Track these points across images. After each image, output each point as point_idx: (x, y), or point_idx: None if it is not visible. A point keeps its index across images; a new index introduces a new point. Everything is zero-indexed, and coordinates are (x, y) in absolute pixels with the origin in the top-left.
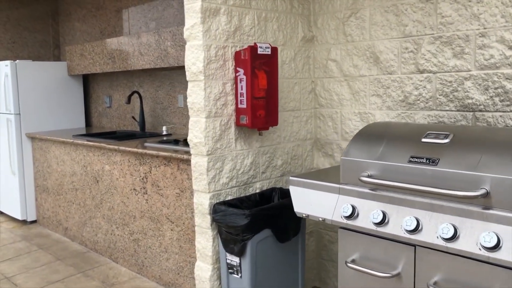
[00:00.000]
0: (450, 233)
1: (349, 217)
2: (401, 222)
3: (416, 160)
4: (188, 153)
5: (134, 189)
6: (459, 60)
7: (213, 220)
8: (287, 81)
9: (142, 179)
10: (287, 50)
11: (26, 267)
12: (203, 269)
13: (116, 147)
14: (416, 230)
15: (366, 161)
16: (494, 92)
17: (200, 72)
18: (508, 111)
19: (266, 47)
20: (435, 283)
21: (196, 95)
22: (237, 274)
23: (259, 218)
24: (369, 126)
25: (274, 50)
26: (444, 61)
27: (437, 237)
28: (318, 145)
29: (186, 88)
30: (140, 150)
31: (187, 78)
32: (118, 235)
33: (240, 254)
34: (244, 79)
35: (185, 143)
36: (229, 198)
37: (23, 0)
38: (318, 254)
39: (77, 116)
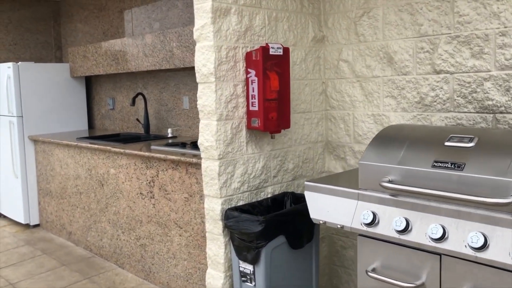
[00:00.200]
0: (480, 242)
1: (370, 224)
2: (425, 229)
3: (440, 164)
4: (196, 156)
5: (140, 193)
6: (478, 60)
7: (225, 226)
8: (297, 82)
9: (149, 183)
10: (297, 51)
11: (31, 273)
12: (215, 277)
13: (121, 150)
14: (442, 238)
15: (386, 166)
16: None
17: (211, 74)
18: None
19: (278, 48)
20: None
21: (207, 97)
22: (251, 283)
23: (273, 225)
24: (387, 129)
25: (286, 50)
26: (462, 61)
27: (465, 246)
28: (330, 148)
29: (191, 89)
30: (147, 154)
31: (197, 80)
32: (124, 240)
33: (254, 261)
34: (256, 81)
35: (193, 146)
36: (240, 203)
37: (24, 1)
38: (330, 260)
39: (80, 118)
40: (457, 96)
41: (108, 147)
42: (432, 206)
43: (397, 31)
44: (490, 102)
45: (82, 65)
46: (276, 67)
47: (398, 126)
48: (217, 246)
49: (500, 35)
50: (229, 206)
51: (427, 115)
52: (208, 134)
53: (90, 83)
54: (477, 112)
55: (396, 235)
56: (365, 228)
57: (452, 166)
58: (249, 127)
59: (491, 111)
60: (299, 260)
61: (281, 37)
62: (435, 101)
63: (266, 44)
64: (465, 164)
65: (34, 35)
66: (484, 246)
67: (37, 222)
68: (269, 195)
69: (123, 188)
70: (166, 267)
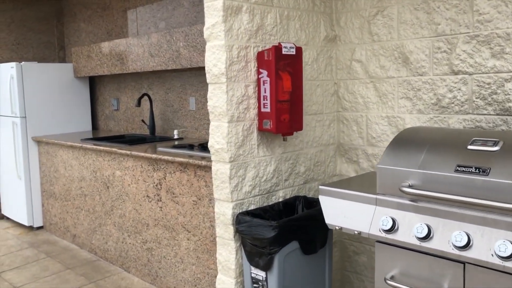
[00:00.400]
0: (508, 251)
1: (389, 230)
2: (448, 237)
3: (463, 169)
4: (205, 159)
5: (147, 196)
6: (498, 61)
7: (237, 231)
8: (309, 83)
9: (156, 185)
10: (309, 50)
11: (35, 276)
12: (226, 283)
13: (128, 152)
14: (467, 246)
15: (406, 170)
16: None
17: (222, 74)
18: None
19: (290, 47)
20: None
21: (218, 99)
22: None
23: (286, 230)
24: (405, 131)
25: (299, 50)
26: (481, 61)
27: (492, 254)
28: (342, 151)
29: (198, 90)
30: (154, 156)
31: (208, 81)
32: (130, 243)
33: (266, 268)
34: (268, 81)
35: (201, 148)
36: (251, 207)
37: (27, 0)
38: (342, 265)
39: (84, 119)
40: (476, 98)
41: (114, 149)
42: (456, 213)
43: (412, 30)
44: (511, 104)
45: (86, 65)
46: (288, 67)
47: (416, 128)
48: (228, 251)
49: None
50: (240, 211)
51: (444, 117)
52: (219, 136)
53: (93, 83)
54: (497, 114)
55: (417, 242)
56: (384, 234)
57: (477, 171)
58: (260, 129)
59: None
60: (312, 266)
61: (293, 37)
62: (453, 103)
63: (279, 43)
64: (490, 168)
65: (37, 34)
66: None
67: (40, 224)
68: (280, 199)
69: (129, 190)
70: (174, 272)
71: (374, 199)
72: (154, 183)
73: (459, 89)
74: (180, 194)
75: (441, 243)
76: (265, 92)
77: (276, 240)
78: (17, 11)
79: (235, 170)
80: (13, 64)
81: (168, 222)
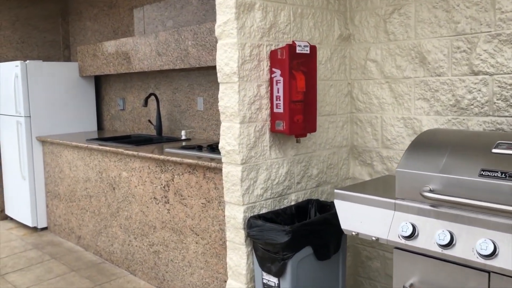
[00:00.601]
0: None
1: (409, 237)
2: (473, 244)
3: (488, 173)
4: (214, 160)
5: (154, 197)
6: None
7: (248, 235)
8: (322, 83)
9: (164, 187)
10: (323, 49)
11: (40, 279)
12: None
13: (135, 152)
14: (493, 254)
15: (427, 174)
16: None
17: (234, 73)
18: None
19: (304, 46)
20: None
21: (229, 99)
22: None
23: (300, 235)
24: (425, 134)
25: (313, 49)
26: (503, 61)
27: None
28: (355, 153)
29: (206, 90)
30: (162, 157)
31: (219, 80)
32: (136, 246)
33: (279, 274)
34: (281, 81)
35: (210, 149)
36: (263, 211)
37: None
38: (354, 270)
39: (89, 119)
40: (497, 99)
41: (120, 149)
42: (480, 219)
43: (430, 29)
44: None
45: (92, 64)
46: (302, 67)
47: (436, 130)
48: (238, 256)
49: None
50: (252, 214)
51: (463, 119)
52: (230, 138)
53: (99, 82)
54: None
55: (439, 250)
56: (403, 241)
57: (503, 176)
58: (272, 130)
59: None
60: (325, 272)
61: (306, 35)
62: (472, 104)
63: (293, 41)
64: None
65: (42, 33)
66: None
67: (44, 225)
68: (292, 203)
69: (135, 192)
70: (181, 276)
71: (392, 204)
72: (162, 184)
73: (479, 90)
74: (188, 196)
75: (464, 251)
76: (278, 92)
77: (289, 246)
78: (22, 9)
79: (247, 172)
80: (18, 62)
81: (176, 225)
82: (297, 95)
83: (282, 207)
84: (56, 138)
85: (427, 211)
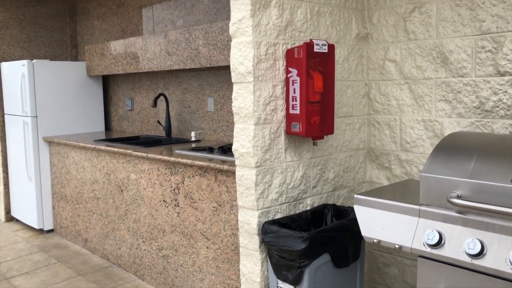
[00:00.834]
0: None
1: (435, 245)
2: (506, 254)
3: None
4: (226, 162)
5: (164, 200)
6: None
7: (263, 241)
8: (339, 84)
9: (174, 190)
10: (340, 49)
11: (45, 283)
12: None
13: (144, 154)
14: None
15: (454, 179)
16: None
17: (248, 73)
18: None
19: (322, 45)
20: None
21: (244, 99)
22: None
23: (317, 242)
24: (450, 137)
25: (331, 48)
26: None
27: None
28: (372, 156)
29: (216, 90)
30: (172, 159)
31: (233, 80)
32: (144, 250)
33: (295, 282)
34: (298, 81)
35: (221, 151)
36: (278, 216)
37: None
38: (370, 277)
39: (96, 119)
40: None
41: (129, 151)
42: None
43: (453, 28)
44: None
45: (100, 63)
46: (319, 66)
47: (461, 133)
48: (252, 262)
49: None
50: (266, 219)
51: (488, 122)
52: (245, 140)
53: (107, 82)
54: None
55: (468, 259)
56: (429, 249)
57: None
58: (288, 132)
59: None
60: (343, 280)
61: (323, 34)
62: (498, 107)
63: (311, 40)
64: None
65: (49, 32)
66: None
67: (51, 227)
68: (308, 207)
69: (144, 194)
70: (191, 281)
71: (417, 210)
72: (172, 187)
73: (506, 92)
74: (199, 199)
75: (496, 261)
76: (294, 92)
77: (306, 253)
78: (29, 8)
79: (261, 176)
80: (25, 62)
81: (186, 229)
82: (315, 95)
83: (298, 212)
84: (63, 139)
85: (454, 218)
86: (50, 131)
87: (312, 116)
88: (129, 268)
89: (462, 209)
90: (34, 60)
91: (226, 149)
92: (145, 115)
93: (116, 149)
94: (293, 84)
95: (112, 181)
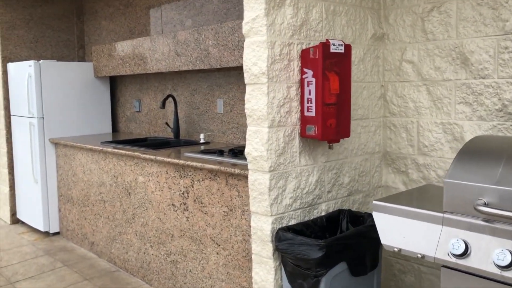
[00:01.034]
0: None
1: (461, 255)
2: None
3: None
4: (236, 166)
5: (172, 204)
6: None
7: (277, 249)
8: (355, 85)
9: (183, 193)
10: (355, 49)
11: (51, 287)
12: None
13: (152, 157)
14: None
15: (481, 186)
16: None
17: (262, 74)
18: None
19: (339, 45)
20: None
21: (257, 101)
22: None
23: (334, 250)
24: (474, 141)
25: (348, 48)
26: None
27: None
28: (388, 160)
29: (226, 92)
30: (181, 161)
31: (246, 81)
32: (152, 254)
33: None
34: (313, 82)
35: (232, 154)
36: (292, 222)
37: None
38: (386, 285)
39: (104, 120)
40: None
41: (137, 153)
42: None
43: (474, 28)
44: None
45: (107, 64)
46: (335, 67)
47: (486, 137)
48: (265, 270)
49: None
50: (280, 226)
51: (511, 125)
52: (258, 143)
53: (114, 83)
54: None
55: (497, 271)
56: (454, 259)
57: None
58: (303, 135)
59: None
60: None
61: (339, 34)
62: None
63: (327, 40)
64: None
65: (56, 32)
66: None
67: (57, 230)
68: (322, 213)
69: (152, 198)
70: (201, 287)
71: (440, 218)
72: (181, 191)
73: None
74: (209, 203)
75: None
76: (309, 94)
77: (323, 261)
78: (36, 8)
79: (275, 180)
80: (31, 62)
81: (195, 234)
82: (331, 97)
83: (312, 218)
84: (69, 140)
85: (481, 227)
86: (57, 133)
87: (328, 119)
88: (136, 273)
89: (490, 218)
90: (41, 60)
91: (237, 152)
92: (153, 117)
93: (123, 151)
94: (308, 86)
95: (120, 184)
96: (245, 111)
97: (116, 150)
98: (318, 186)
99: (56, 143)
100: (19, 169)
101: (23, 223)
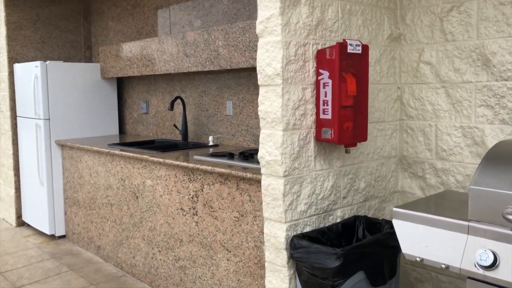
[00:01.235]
0: None
1: (489, 267)
2: None
3: None
4: (247, 169)
5: (181, 208)
6: None
7: (291, 257)
8: (371, 87)
9: (192, 197)
10: (372, 50)
11: None
12: None
13: (161, 159)
14: None
15: (510, 194)
16: None
17: (277, 75)
18: None
19: (356, 45)
20: None
21: (271, 103)
22: None
23: (352, 259)
24: (499, 146)
25: (365, 48)
26: None
27: None
28: (404, 164)
29: (236, 93)
30: (191, 165)
31: (259, 82)
32: (160, 259)
33: None
34: (330, 84)
35: (242, 157)
36: (307, 229)
37: None
38: None
39: (111, 122)
40: None
41: (145, 156)
42: None
43: (496, 28)
44: None
45: (114, 65)
46: (352, 68)
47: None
48: (279, 279)
49: None
50: (295, 233)
51: None
52: (272, 147)
53: (121, 84)
54: None
55: None
56: (481, 271)
57: None
58: (318, 139)
59: None
60: None
61: (355, 34)
62: None
63: (344, 40)
64: None
65: (63, 33)
66: None
67: (62, 233)
68: (338, 219)
69: (160, 202)
70: None
71: (465, 227)
72: (190, 195)
73: None
74: (219, 208)
75: None
76: (325, 96)
77: (341, 271)
78: (43, 9)
79: (290, 185)
80: (38, 63)
81: (205, 239)
82: (347, 99)
83: (327, 224)
84: (76, 142)
85: (511, 237)
86: (63, 135)
87: (345, 122)
88: (144, 278)
89: None
90: (48, 61)
91: (248, 155)
92: (161, 119)
93: (131, 154)
94: (324, 87)
95: (127, 187)
96: (258, 113)
97: (123, 153)
98: (334, 191)
99: (62, 145)
100: (25, 171)
101: (28, 225)
